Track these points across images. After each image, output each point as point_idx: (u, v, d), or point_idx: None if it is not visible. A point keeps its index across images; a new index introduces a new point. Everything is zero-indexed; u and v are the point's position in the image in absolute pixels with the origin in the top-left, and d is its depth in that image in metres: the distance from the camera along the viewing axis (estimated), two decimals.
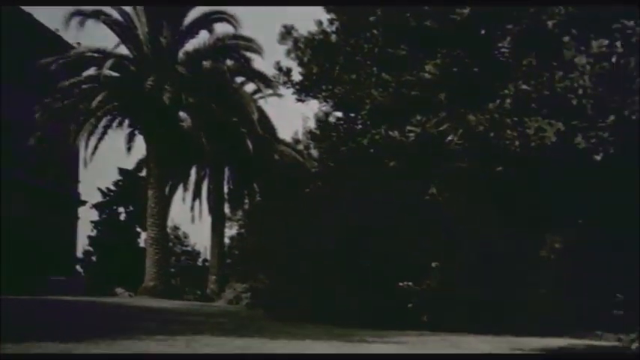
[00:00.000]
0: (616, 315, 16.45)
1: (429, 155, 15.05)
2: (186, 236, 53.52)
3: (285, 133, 64.05)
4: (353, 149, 16.66)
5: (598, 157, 11.36)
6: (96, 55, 34.00)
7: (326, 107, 20.10)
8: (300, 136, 41.05)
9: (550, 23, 12.61)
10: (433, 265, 23.35)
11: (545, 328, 19.17)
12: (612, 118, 11.11)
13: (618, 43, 11.09)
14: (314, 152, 36.67)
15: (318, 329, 16.55)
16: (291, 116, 69.26)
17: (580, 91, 11.40)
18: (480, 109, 13.15)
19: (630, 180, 12.47)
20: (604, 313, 18.37)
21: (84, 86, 34.33)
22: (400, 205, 21.32)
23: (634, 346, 12.44)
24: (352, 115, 17.69)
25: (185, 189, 41.14)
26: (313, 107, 58.56)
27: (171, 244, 46.28)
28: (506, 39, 13.13)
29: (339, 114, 18.89)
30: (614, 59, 11.07)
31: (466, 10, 13.72)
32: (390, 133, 14.64)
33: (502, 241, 20.24)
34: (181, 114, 36.73)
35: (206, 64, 35.79)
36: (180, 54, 35.26)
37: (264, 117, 37.78)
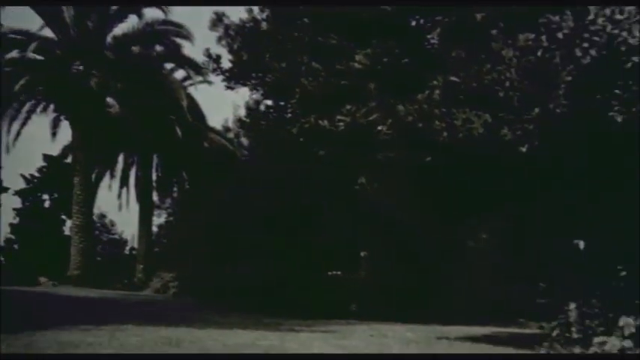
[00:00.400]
0: (539, 303, 16.80)
1: (358, 145, 15.07)
2: (113, 224, 52.58)
3: (215, 120, 63.47)
4: (283, 138, 16.58)
5: (523, 149, 11.54)
6: (19, 37, 32.95)
7: (256, 95, 19.98)
8: (231, 124, 40.81)
9: (479, 16, 12.77)
10: (362, 254, 23.55)
11: (471, 317, 19.52)
12: (537, 110, 11.30)
13: (544, 38, 11.27)
14: (244, 140, 36.51)
15: (246, 318, 16.48)
16: (222, 104, 68.60)
17: (507, 84, 11.56)
18: (409, 100, 13.22)
19: (555, 172, 12.75)
20: (528, 302, 18.76)
21: (6, 69, 33.24)
22: (330, 195, 21.39)
23: (554, 333, 12.72)
24: (282, 103, 17.59)
25: (112, 176, 40.38)
26: (244, 95, 58.25)
27: (97, 232, 45.38)
28: (436, 30, 13.22)
29: (270, 102, 18.78)
30: (539, 53, 11.25)
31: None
32: (320, 122, 14.61)
33: (431, 231, 20.49)
34: (109, 100, 36.00)
35: (135, 49, 35.11)
36: (109, 38, 34.49)
37: (193, 104, 37.30)
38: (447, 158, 13.62)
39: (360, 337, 13.56)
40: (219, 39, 17.03)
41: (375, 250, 23.57)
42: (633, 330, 11.68)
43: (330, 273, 23.22)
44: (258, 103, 21.34)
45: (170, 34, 34.73)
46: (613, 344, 11.62)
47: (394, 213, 20.16)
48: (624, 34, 10.72)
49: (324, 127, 14.52)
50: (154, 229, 41.59)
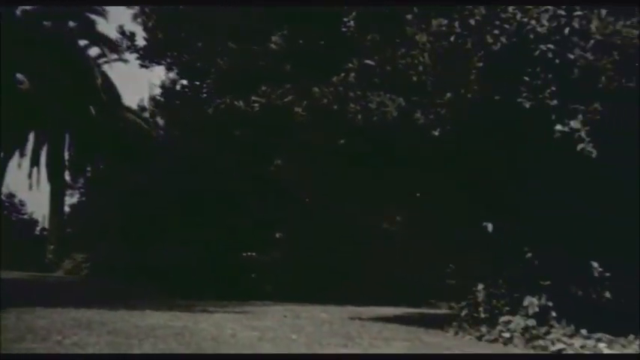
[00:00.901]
0: (449, 284, 17.23)
1: (274, 127, 15.08)
2: (23, 204, 51.08)
3: (131, 100, 62.21)
4: (198, 118, 16.45)
5: (436, 133, 11.75)
6: None
7: (172, 74, 19.74)
8: (146, 104, 40.08)
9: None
10: (277, 235, 23.59)
11: (384, 298, 19.82)
12: (449, 95, 11.51)
13: (457, 24, 11.47)
14: (160, 120, 35.93)
15: (159, 300, 16.33)
16: (139, 83, 67.20)
17: (420, 68, 11.73)
18: (324, 82, 13.27)
19: (466, 156, 13.04)
20: (439, 283, 19.22)
21: None
22: (246, 176, 21.32)
23: (463, 313, 13.06)
24: (198, 83, 17.43)
25: (22, 155, 39.17)
26: (161, 74, 57.23)
27: (5, 212, 44.05)
28: (352, 14, 13.28)
29: (185, 82, 18.58)
30: (452, 39, 11.44)
31: None
32: (236, 102, 14.55)
33: (347, 213, 20.68)
34: (19, 76, 34.86)
35: (47, 24, 34.09)
36: (18, 12, 33.36)
37: (108, 82, 36.51)
38: (363, 141, 13.76)
39: (274, 317, 13.62)
40: (135, 16, 16.76)
41: (291, 232, 23.68)
42: (537, 309, 12.11)
43: (245, 254, 23.19)
44: (173, 82, 21.10)
45: (84, 9, 33.87)
46: (517, 323, 12.02)
47: (310, 195, 20.28)
48: (533, 22, 11.00)
49: (240, 108, 14.47)
50: (66, 209, 40.62)
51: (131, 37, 16.60)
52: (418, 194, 15.64)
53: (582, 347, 11.42)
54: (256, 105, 14.14)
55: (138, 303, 14.79)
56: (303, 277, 21.77)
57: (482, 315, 12.79)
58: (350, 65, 12.89)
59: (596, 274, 12.11)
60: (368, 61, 12.71)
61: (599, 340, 11.60)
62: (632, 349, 11.27)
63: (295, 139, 14.80)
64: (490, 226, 12.81)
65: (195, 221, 21.91)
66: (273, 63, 14.48)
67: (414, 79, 11.86)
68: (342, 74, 12.88)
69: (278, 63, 14.46)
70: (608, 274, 12.17)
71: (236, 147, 17.99)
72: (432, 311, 17.91)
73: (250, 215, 22.42)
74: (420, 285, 21.48)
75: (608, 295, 12.12)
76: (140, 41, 16.79)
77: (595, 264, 12.08)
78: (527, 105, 10.92)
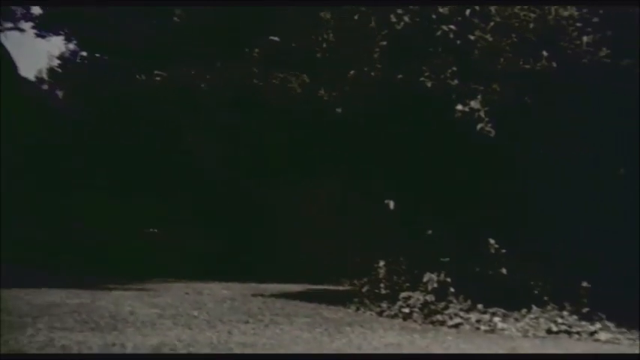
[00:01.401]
0: (351, 261, 17.40)
1: (179, 102, 14.86)
2: None
3: (29, 71, 60.02)
4: (98, 91, 16.04)
5: (339, 110, 11.82)
6: None
7: (71, 46, 19.14)
8: (45, 76, 38.75)
9: None
10: (181, 212, 23.30)
11: (289, 275, 19.84)
12: (352, 73, 11.59)
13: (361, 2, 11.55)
14: (59, 93, 34.80)
15: (56, 277, 15.89)
16: (38, 54, 64.95)
17: (324, 45, 11.75)
18: (229, 58, 13.14)
19: (370, 134, 13.16)
20: (342, 260, 19.37)
21: None
22: (150, 152, 20.97)
23: (364, 289, 13.24)
24: (99, 55, 16.98)
25: None
26: (60, 46, 55.42)
27: None
28: None
29: (85, 54, 18.06)
30: (356, 17, 11.50)
31: None
32: (138, 77, 14.23)
33: (253, 190, 20.61)
34: None
35: None
36: None
37: (2, 51, 35.03)
38: (269, 118, 13.73)
39: (175, 294, 13.48)
40: None
41: (195, 209, 23.45)
42: (436, 285, 12.40)
43: (147, 230, 22.85)
44: (74, 54, 20.46)
45: None
46: (417, 298, 12.28)
47: (218, 173, 20.12)
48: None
49: (142, 82, 14.17)
50: None
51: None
52: (321, 170, 15.72)
53: (478, 321, 11.78)
54: (158, 79, 13.87)
55: (33, 280, 14.35)
56: (206, 254, 21.62)
57: (383, 291, 13.01)
58: (256, 42, 12.80)
59: (492, 251, 12.48)
60: (273, 38, 12.65)
61: (494, 314, 11.98)
62: (524, 322, 11.69)
63: (202, 115, 14.62)
64: (392, 204, 12.99)
65: (98, 197, 21.41)
66: (177, 38, 14.23)
67: (318, 55, 11.88)
68: (247, 50, 12.79)
69: (183, 38, 14.21)
70: (504, 251, 12.56)
71: (139, 122, 17.65)
72: (334, 288, 18.07)
73: (154, 191, 22.07)
74: (323, 261, 21.62)
75: (504, 271, 12.50)
76: (37, 10, 16.23)
77: (492, 241, 12.43)
78: (429, 84, 11.11)
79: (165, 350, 7.49)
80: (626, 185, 12.16)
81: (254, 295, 14.28)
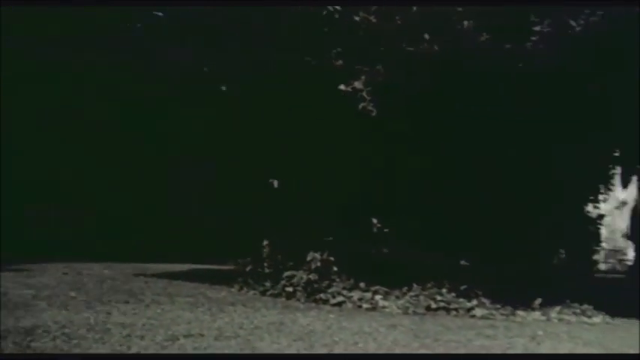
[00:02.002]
0: (236, 240, 17.30)
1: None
2: None
3: None
4: None
5: (224, 88, 11.71)
6: None
7: None
8: None
9: None
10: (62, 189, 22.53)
11: (173, 255, 19.55)
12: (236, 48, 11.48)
13: None
14: None
15: None
16: None
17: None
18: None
19: (252, 110, 13.07)
20: (227, 239, 19.22)
21: None
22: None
23: (248, 268, 13.21)
24: None
25: None
26: None
27: None
28: None
29: None
30: None
31: None
32: None
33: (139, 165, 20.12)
34: None
35: None
36: None
37: None
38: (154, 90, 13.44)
39: (53, 275, 13.07)
40: None
41: (76, 187, 22.74)
42: (319, 264, 12.51)
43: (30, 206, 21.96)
44: None
45: None
46: (300, 277, 12.36)
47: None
48: None
49: None
50: None
51: None
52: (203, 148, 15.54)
53: (360, 299, 11.98)
54: None
55: None
56: (87, 233, 21.01)
57: (267, 270, 13.02)
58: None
59: (375, 230, 12.70)
60: (157, 13, 12.39)
61: (376, 292, 12.22)
62: (404, 300, 11.97)
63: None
64: (276, 183, 13.00)
65: None
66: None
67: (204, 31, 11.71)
68: (128, 25, 12.46)
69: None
70: (386, 231, 12.79)
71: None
72: (218, 267, 17.93)
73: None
74: (208, 241, 21.39)
75: (385, 249, 12.74)
76: None
77: (374, 220, 12.64)
78: (314, 63, 11.13)
79: (39, 332, 7.26)
80: (502, 162, 12.59)
81: (136, 275, 14.02)
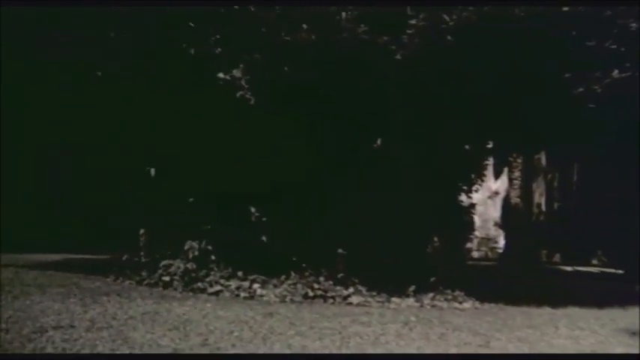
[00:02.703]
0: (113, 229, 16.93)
1: None
2: None
3: None
4: None
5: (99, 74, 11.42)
6: None
7: None
8: None
9: None
10: None
11: (42, 244, 18.92)
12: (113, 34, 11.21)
13: None
14: None
15: None
16: None
17: None
18: None
19: (136, 96, 12.79)
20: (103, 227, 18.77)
21: None
22: None
23: (124, 257, 12.93)
24: None
25: None
26: None
27: None
28: None
29: None
30: None
31: None
32: None
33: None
34: None
35: None
36: None
37: None
38: None
39: None
40: None
41: None
42: (197, 253, 12.41)
43: None
44: None
45: None
46: (177, 266, 12.24)
47: None
48: None
49: None
50: None
51: None
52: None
53: (238, 288, 11.98)
54: None
55: None
56: None
57: (144, 259, 12.83)
58: None
59: (253, 219, 12.70)
60: None
61: (254, 281, 12.24)
62: (282, 289, 12.05)
63: None
64: (153, 171, 12.80)
65: None
66: None
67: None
68: None
69: None
70: (265, 219, 12.81)
71: None
72: (94, 257, 17.50)
73: None
74: (85, 230, 20.84)
75: (264, 238, 12.75)
76: None
77: (253, 209, 12.65)
78: (192, 51, 11.01)
79: None
80: (378, 152, 12.85)
81: (5, 266, 13.49)
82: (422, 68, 11.38)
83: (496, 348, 8.34)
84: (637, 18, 11.95)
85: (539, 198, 29.22)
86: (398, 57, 11.02)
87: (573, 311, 12.50)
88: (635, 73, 12.02)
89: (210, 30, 11.00)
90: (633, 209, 21.52)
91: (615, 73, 11.82)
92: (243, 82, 10.76)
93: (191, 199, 12.78)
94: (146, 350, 7.08)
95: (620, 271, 23.96)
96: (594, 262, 30.03)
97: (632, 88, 12.15)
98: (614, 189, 22.08)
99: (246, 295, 11.84)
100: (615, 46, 11.78)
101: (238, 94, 10.85)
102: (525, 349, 8.32)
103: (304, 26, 10.47)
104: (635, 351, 8.69)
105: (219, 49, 10.96)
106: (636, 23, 11.94)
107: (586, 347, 8.72)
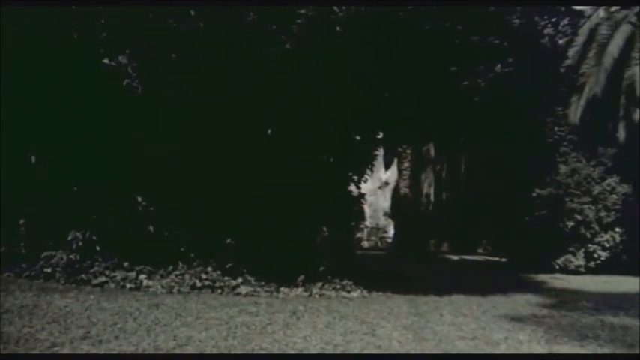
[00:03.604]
0: None
1: None
2: None
3: None
4: None
5: None
6: None
7: None
8: None
9: None
10: None
11: None
12: None
13: None
14: None
15: None
16: None
17: None
18: None
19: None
20: None
21: None
22: None
23: (2, 249, 12.44)
24: None
25: None
26: None
27: None
28: None
29: None
30: None
31: None
32: None
33: None
34: None
35: None
36: None
37: None
38: None
39: None
40: None
41: None
42: (81, 243, 12.08)
43: None
44: None
45: None
46: (60, 257, 11.89)
47: None
48: None
49: None
50: None
51: None
52: None
53: (124, 279, 11.75)
54: None
55: None
56: None
57: (24, 251, 12.38)
58: None
59: (140, 208, 12.46)
60: None
61: (140, 271, 12.02)
62: (169, 279, 11.91)
63: None
64: (34, 158, 12.36)
65: None
66: None
67: None
68: None
69: None
70: (152, 209, 12.59)
71: None
72: None
73: None
74: None
75: (151, 228, 12.53)
76: None
77: (139, 198, 12.41)
78: (75, 36, 10.68)
79: None
80: (269, 140, 12.86)
81: None
82: (311, 58, 11.41)
83: (382, 335, 8.49)
84: (519, 15, 12.40)
85: (428, 188, 30.01)
86: (287, 46, 11.03)
87: (458, 298, 12.87)
88: (517, 68, 12.47)
89: (94, 14, 10.67)
90: (517, 199, 22.32)
91: (498, 67, 12.23)
92: (129, 69, 10.51)
93: (75, 188, 12.41)
94: (22, 344, 6.86)
95: (504, 259, 24.90)
96: (480, 250, 31.10)
97: (514, 82, 12.61)
98: (499, 180, 22.79)
99: (132, 286, 11.64)
100: (498, 42, 12.20)
101: (125, 82, 10.58)
102: (410, 337, 8.51)
103: (192, 12, 10.32)
104: (515, 335, 9.01)
105: (104, 34, 10.66)
106: (519, 20, 12.41)
107: (468, 333, 8.98)
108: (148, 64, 10.66)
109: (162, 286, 11.69)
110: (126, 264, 12.07)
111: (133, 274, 11.92)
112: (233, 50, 10.90)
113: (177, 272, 12.21)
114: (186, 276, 12.12)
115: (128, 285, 11.65)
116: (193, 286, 11.91)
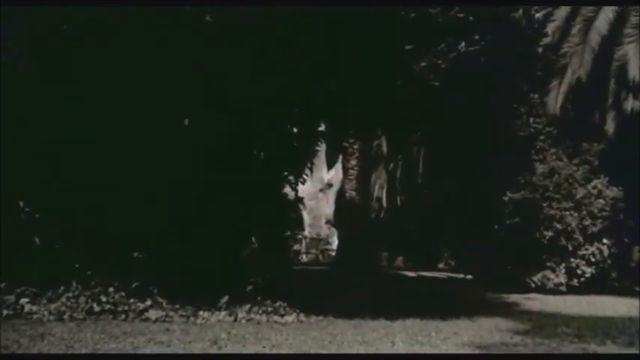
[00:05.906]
0: None
1: None
2: None
3: None
4: None
5: None
6: None
7: None
8: None
9: None
10: None
11: None
12: None
13: None
14: None
15: None
16: None
17: None
18: None
19: None
20: None
21: None
22: None
23: None
24: None
25: None
26: None
27: None
28: None
29: None
30: None
31: None
32: None
33: None
34: None
35: None
36: None
37: None
38: None
39: None
40: None
41: None
42: None
43: None
44: None
45: None
46: None
47: None
48: None
49: None
50: None
51: None
52: None
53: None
54: None
55: None
56: None
57: None
58: None
59: (23, 216, 12.25)
60: None
61: (21, 294, 11.80)
62: (60, 303, 11.71)
63: None
64: None
65: None
66: None
67: None
68: None
69: None
70: (38, 216, 12.38)
71: None
72: None
73: None
74: None
75: (37, 240, 12.31)
76: None
77: (21, 203, 12.21)
78: None
79: None
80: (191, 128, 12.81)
81: None
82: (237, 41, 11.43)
83: None
84: None
85: (379, 191, 29.98)
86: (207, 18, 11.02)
87: (413, 323, 12.92)
88: (484, 46, 12.57)
89: None
90: (485, 205, 22.32)
91: (462, 46, 12.31)
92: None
93: None
94: None
95: (469, 277, 25.02)
96: (441, 266, 31.42)
97: (481, 63, 12.71)
98: (464, 181, 22.73)
99: (11, 312, 11.36)
100: (462, 15, 12.28)
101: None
102: None
103: None
104: None
105: None
106: None
107: None
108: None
109: (51, 312, 11.48)
110: (2, 285, 11.79)
111: (11, 297, 11.66)
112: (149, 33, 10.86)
113: (70, 294, 12.00)
114: (81, 299, 11.92)
115: (5, 312, 11.37)
116: (90, 311, 11.73)
